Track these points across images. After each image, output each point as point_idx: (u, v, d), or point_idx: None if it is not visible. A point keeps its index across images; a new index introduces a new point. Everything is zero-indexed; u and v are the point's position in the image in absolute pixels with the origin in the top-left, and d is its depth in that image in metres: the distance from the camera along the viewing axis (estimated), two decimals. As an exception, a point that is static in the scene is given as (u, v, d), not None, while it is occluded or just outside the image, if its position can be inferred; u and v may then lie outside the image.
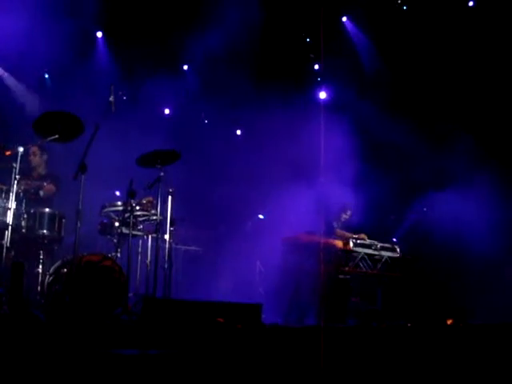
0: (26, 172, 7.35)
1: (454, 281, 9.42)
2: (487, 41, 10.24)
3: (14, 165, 5.88)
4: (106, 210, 7.19)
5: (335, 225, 9.14)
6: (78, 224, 5.93)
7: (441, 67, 10.67)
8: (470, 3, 10.69)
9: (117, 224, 7.12)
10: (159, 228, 7.05)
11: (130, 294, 6.88)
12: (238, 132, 13.51)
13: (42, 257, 6.52)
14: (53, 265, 6.60)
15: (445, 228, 10.01)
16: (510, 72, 9.87)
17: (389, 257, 8.56)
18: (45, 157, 7.58)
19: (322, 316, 7.89)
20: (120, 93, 6.90)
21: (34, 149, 7.42)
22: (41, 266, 6.46)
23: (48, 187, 7.20)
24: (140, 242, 7.50)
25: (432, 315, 6.36)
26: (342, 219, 9.22)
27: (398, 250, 8.73)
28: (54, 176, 7.53)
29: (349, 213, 9.21)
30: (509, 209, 9.70)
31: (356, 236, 8.51)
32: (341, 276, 8.32)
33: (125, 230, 7.02)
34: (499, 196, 9.74)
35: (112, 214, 7.20)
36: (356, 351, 5.08)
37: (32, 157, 7.45)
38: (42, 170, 7.53)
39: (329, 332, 5.21)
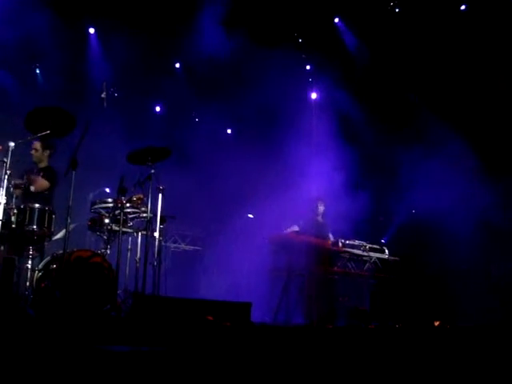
0: (29, 167, 7.35)
1: (442, 282, 9.48)
2: (478, 44, 10.32)
3: (5, 160, 5.85)
4: (96, 206, 7.17)
5: (319, 219, 9.25)
6: (68, 220, 5.93)
7: (433, 69, 10.74)
8: (462, 7, 10.76)
9: (107, 221, 7.11)
10: (149, 225, 7.06)
11: (119, 291, 6.87)
12: (229, 131, 13.53)
13: (31, 252, 6.48)
14: (42, 260, 6.59)
15: (432, 229, 10.09)
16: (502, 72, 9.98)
17: (377, 258, 8.62)
18: (47, 152, 7.50)
19: (310, 316, 7.92)
20: (112, 89, 6.88)
21: (36, 144, 7.37)
22: (30, 262, 6.43)
23: (40, 182, 7.13)
24: (130, 238, 7.49)
25: (420, 316, 6.41)
26: (320, 211, 9.31)
27: (387, 251, 8.79)
28: (51, 171, 7.43)
29: (321, 203, 9.32)
30: (497, 208, 9.78)
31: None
32: (329, 276, 8.36)
33: (115, 227, 7.01)
34: (486, 195, 9.83)
35: (102, 211, 7.19)
36: (344, 352, 5.11)
37: (33, 151, 7.38)
38: (42, 165, 7.47)
39: (317, 332, 5.25)
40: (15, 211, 6.25)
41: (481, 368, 5.57)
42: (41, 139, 7.04)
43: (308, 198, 9.71)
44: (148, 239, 6.97)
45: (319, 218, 9.31)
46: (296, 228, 9.05)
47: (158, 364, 3.34)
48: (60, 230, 7.00)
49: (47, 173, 7.34)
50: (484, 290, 9.45)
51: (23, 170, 7.04)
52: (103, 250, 6.99)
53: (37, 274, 6.42)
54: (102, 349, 3.41)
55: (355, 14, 11.42)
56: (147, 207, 6.91)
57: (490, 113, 10.11)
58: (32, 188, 6.87)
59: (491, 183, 9.65)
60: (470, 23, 10.35)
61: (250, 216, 11.79)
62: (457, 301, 8.77)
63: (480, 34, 10.17)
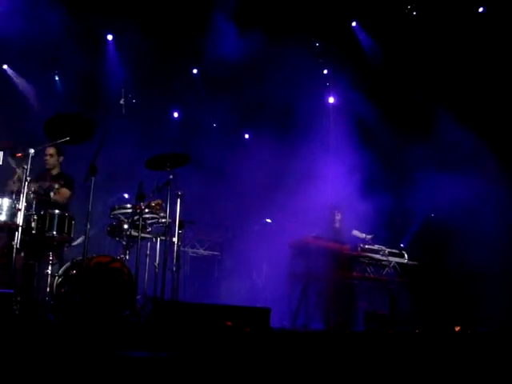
0: (41, 173, 7.39)
1: (462, 286, 9.40)
2: (497, 46, 10.24)
3: (25, 166, 5.89)
4: (115, 211, 7.20)
5: (336, 225, 9.24)
6: (88, 226, 5.96)
7: (451, 72, 10.67)
8: (480, 9, 10.69)
9: (126, 226, 7.13)
10: (168, 231, 7.08)
11: (139, 296, 6.89)
12: (247, 136, 13.54)
13: (51, 258, 6.53)
14: (62, 266, 6.63)
15: (451, 232, 10.01)
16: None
17: (396, 262, 8.57)
18: (61, 158, 7.54)
19: (329, 321, 7.89)
20: (130, 96, 6.91)
21: (51, 150, 7.39)
22: (50, 268, 6.46)
23: (63, 192, 7.14)
24: (148, 244, 7.51)
25: (440, 321, 6.35)
26: (337, 220, 9.31)
27: (406, 255, 8.74)
28: (68, 178, 7.47)
29: (338, 214, 9.30)
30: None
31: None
32: (348, 281, 8.33)
33: (134, 233, 7.03)
34: (506, 195, 9.75)
35: (121, 216, 7.21)
36: (363, 357, 5.08)
37: (48, 157, 7.41)
38: (55, 172, 7.51)
39: (336, 337, 5.22)
40: (35, 217, 6.29)
41: (502, 374, 5.51)
42: (55, 145, 7.04)
43: (325, 206, 9.67)
44: (167, 245, 6.98)
45: (336, 225, 9.29)
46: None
47: (178, 370, 3.34)
48: (80, 236, 7.05)
49: (67, 181, 7.36)
50: (506, 294, 9.35)
51: (34, 176, 7.01)
52: (122, 256, 7.02)
53: (57, 280, 6.46)
54: (121, 354, 3.41)
55: (372, 18, 11.39)
56: (166, 213, 6.93)
57: (507, 111, 10.03)
58: (52, 194, 6.87)
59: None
60: (489, 25, 10.29)
61: (268, 221, 11.78)
62: (478, 305, 8.69)
63: (498, 36, 10.10)
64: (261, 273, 10.88)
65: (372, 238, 9.22)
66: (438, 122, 10.61)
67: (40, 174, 7.34)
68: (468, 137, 9.97)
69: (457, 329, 6.16)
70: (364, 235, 9.31)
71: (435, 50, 10.71)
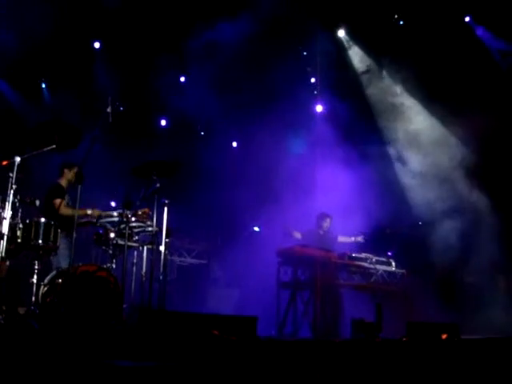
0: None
1: (450, 294, 9.44)
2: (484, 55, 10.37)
3: (11, 174, 5.85)
4: (101, 220, 7.16)
5: (321, 232, 9.26)
6: (74, 234, 5.93)
7: (437, 80, 10.75)
8: (467, 19, 10.79)
9: (112, 235, 7.09)
10: (155, 239, 7.05)
11: (125, 306, 6.85)
12: (234, 144, 13.55)
13: (36, 267, 6.47)
14: (48, 275, 6.57)
15: (439, 241, 10.06)
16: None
17: (384, 270, 8.59)
18: None
19: (317, 329, 7.89)
20: (117, 103, 6.89)
21: (77, 170, 7.29)
22: (35, 276, 6.41)
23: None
24: (135, 253, 7.47)
25: (427, 329, 6.37)
26: (325, 228, 9.33)
27: (393, 263, 8.76)
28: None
29: (328, 220, 9.33)
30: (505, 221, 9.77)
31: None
32: (335, 289, 8.33)
33: (120, 241, 6.99)
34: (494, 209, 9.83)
35: (107, 225, 7.18)
36: (351, 365, 5.08)
37: (75, 178, 7.38)
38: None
39: (323, 346, 5.21)
40: (20, 226, 6.24)
41: (489, 381, 5.52)
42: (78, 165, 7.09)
43: (315, 212, 9.70)
44: (154, 253, 6.96)
45: (320, 232, 9.32)
46: (298, 235, 9.07)
47: (164, 379, 3.33)
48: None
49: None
50: (493, 302, 9.40)
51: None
52: (109, 265, 6.97)
53: (42, 289, 6.41)
54: (107, 363, 3.39)
55: (360, 27, 11.47)
56: (152, 221, 6.91)
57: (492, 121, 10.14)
58: (37, 202, 6.79)
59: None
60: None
61: (256, 229, 11.79)
62: (465, 313, 8.73)
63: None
64: (248, 281, 10.86)
65: (364, 237, 9.28)
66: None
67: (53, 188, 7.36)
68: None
69: (443, 336, 6.17)
70: (353, 238, 9.35)
71: (422, 57, 10.80)
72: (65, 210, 7.03)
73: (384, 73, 11.63)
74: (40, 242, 6.26)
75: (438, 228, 10.10)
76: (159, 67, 11.41)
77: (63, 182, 7.40)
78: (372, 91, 11.76)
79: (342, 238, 9.44)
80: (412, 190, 10.90)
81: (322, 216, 9.42)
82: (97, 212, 7.19)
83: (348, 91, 11.71)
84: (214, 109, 11.84)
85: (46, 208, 7.09)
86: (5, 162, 6.02)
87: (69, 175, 7.37)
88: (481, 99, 10.06)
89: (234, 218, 11.77)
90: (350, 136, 11.19)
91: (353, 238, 9.38)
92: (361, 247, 9.19)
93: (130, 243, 7.02)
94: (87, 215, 7.15)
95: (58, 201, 7.03)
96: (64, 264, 6.60)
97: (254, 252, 10.87)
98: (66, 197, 7.03)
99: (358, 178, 10.52)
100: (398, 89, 11.42)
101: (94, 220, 7.11)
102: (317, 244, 8.87)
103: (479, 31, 10.71)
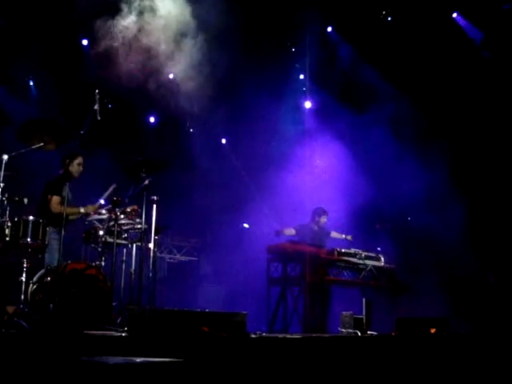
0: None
1: (438, 289, 9.49)
2: (470, 52, 10.41)
3: (-1, 173, 5.83)
4: (90, 218, 7.14)
5: (315, 228, 9.25)
6: (62, 232, 5.90)
7: (425, 76, 10.79)
8: (454, 15, 10.82)
9: (101, 232, 7.07)
10: (144, 237, 7.04)
11: (114, 303, 6.84)
12: (224, 141, 13.54)
13: (25, 265, 6.44)
14: (36, 273, 6.55)
15: (428, 236, 10.11)
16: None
17: (373, 266, 8.61)
18: None
19: (307, 324, 7.91)
20: (105, 100, 6.86)
21: (81, 159, 7.30)
22: (24, 275, 6.38)
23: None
24: (124, 250, 7.45)
25: (416, 324, 6.40)
26: (320, 224, 9.32)
27: (383, 259, 8.79)
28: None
29: (325, 216, 9.31)
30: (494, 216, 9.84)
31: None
32: (325, 285, 8.36)
33: (109, 239, 6.98)
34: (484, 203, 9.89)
35: (96, 223, 7.16)
36: (341, 360, 5.10)
37: (81, 168, 7.35)
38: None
39: (313, 342, 5.23)
40: (9, 224, 6.20)
41: (478, 374, 5.57)
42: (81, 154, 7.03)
43: (303, 209, 9.69)
44: (143, 251, 6.95)
45: (315, 227, 9.31)
46: (292, 231, 9.06)
47: (153, 376, 3.33)
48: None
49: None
50: (481, 297, 9.46)
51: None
52: (98, 262, 6.95)
53: (31, 287, 6.38)
54: (96, 361, 3.39)
55: (348, 23, 11.48)
56: (141, 218, 6.90)
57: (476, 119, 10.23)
58: (25, 200, 6.74)
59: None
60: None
61: (246, 226, 11.79)
62: (454, 308, 8.78)
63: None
64: (238, 278, 10.87)
65: (353, 237, 9.31)
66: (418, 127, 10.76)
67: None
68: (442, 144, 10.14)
69: (432, 331, 6.20)
70: (344, 236, 9.38)
71: (409, 53, 10.84)
72: (56, 208, 6.98)
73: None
74: (28, 240, 6.23)
75: (427, 222, 10.13)
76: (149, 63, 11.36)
77: (63, 174, 7.16)
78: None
79: (334, 234, 9.45)
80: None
81: (320, 212, 9.32)
82: (90, 208, 7.16)
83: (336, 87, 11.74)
84: (203, 105, 11.80)
85: (42, 203, 7.08)
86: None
87: (70, 166, 7.21)
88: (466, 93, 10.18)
89: (223, 215, 11.76)
90: (339, 130, 11.22)
91: (343, 236, 9.41)
92: (351, 243, 9.22)
93: (119, 241, 7.01)
94: (80, 213, 7.12)
95: (51, 197, 7.01)
96: (55, 259, 6.56)
97: (243, 248, 10.88)
98: (65, 190, 6.76)
99: (348, 173, 10.57)
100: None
101: (89, 218, 7.11)
102: (310, 239, 8.89)
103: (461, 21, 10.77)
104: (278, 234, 8.98)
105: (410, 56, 10.81)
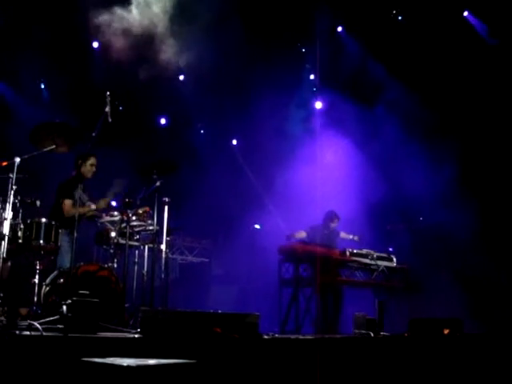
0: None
1: (451, 289, 9.44)
2: (482, 50, 10.35)
3: (11, 175, 5.84)
4: (102, 219, 7.16)
5: (326, 231, 9.22)
6: (75, 234, 5.92)
7: (436, 74, 10.73)
8: (465, 13, 10.77)
9: (113, 234, 7.08)
10: (156, 238, 7.05)
11: (127, 305, 6.84)
12: (234, 142, 13.54)
13: (38, 267, 6.46)
14: (49, 275, 6.57)
15: (440, 236, 10.06)
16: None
17: (385, 266, 8.58)
18: None
19: (319, 325, 7.90)
20: (116, 103, 6.87)
21: (95, 160, 7.33)
22: (37, 277, 6.40)
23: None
24: (136, 252, 7.47)
25: (429, 325, 6.37)
26: (331, 228, 9.27)
27: (395, 259, 8.76)
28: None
29: (336, 221, 9.27)
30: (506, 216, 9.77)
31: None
32: (337, 285, 8.34)
33: (121, 240, 6.99)
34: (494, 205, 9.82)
35: (108, 224, 7.17)
36: (353, 361, 5.08)
37: (94, 169, 7.38)
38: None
39: (325, 342, 5.21)
40: (22, 226, 6.23)
41: (491, 375, 5.53)
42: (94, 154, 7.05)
43: (324, 212, 9.61)
44: (155, 252, 6.96)
45: (325, 230, 9.26)
46: (303, 233, 9.04)
47: (166, 377, 3.33)
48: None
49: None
50: (494, 297, 9.40)
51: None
52: (110, 264, 6.97)
53: (44, 289, 6.41)
54: (109, 363, 3.39)
55: (358, 22, 11.46)
56: (153, 220, 6.91)
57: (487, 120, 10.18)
58: (38, 203, 6.75)
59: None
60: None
61: (257, 227, 11.78)
62: (467, 308, 8.73)
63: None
64: (250, 279, 10.87)
65: (360, 238, 9.27)
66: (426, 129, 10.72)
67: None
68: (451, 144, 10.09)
69: (445, 332, 6.17)
70: (351, 236, 9.35)
71: (422, 53, 10.79)
72: (70, 212, 7.00)
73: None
74: (41, 242, 6.25)
75: (439, 222, 10.08)
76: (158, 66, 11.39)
77: (76, 176, 7.12)
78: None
79: (342, 234, 9.42)
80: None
81: (332, 217, 9.23)
82: (102, 202, 7.18)
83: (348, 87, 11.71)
84: (214, 107, 11.82)
85: (55, 205, 7.12)
86: (4, 163, 6.01)
87: (83, 167, 7.22)
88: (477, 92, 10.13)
89: (235, 216, 11.76)
90: (350, 132, 11.19)
91: (351, 236, 9.36)
92: (361, 240, 9.19)
93: (131, 242, 7.02)
94: (93, 210, 7.15)
95: (63, 201, 7.06)
96: (67, 261, 6.57)
97: (255, 249, 10.87)
98: (77, 191, 6.71)
99: (359, 173, 10.54)
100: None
101: (101, 220, 7.13)
102: (321, 240, 8.86)
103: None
104: (289, 238, 8.93)
105: (420, 54, 10.75)
